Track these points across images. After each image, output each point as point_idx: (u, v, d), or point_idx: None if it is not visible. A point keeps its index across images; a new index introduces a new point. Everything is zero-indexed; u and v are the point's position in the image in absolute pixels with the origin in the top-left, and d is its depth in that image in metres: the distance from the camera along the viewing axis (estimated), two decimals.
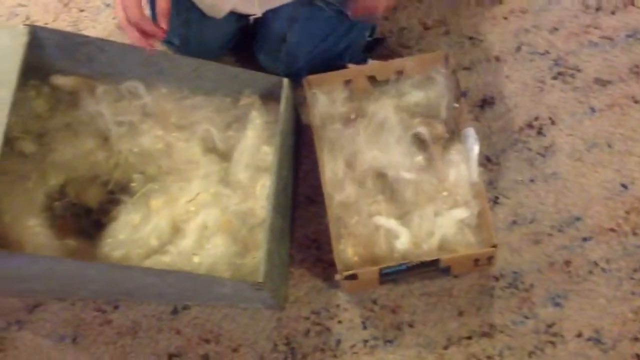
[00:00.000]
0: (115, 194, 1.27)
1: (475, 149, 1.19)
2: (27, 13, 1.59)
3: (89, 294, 1.27)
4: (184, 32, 1.33)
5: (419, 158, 1.24)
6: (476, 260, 1.19)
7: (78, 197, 1.27)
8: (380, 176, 1.25)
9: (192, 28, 1.33)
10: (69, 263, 1.11)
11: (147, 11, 1.03)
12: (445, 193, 1.21)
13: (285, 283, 1.28)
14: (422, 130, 1.26)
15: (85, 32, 1.51)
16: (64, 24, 1.55)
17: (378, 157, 1.24)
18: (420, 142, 1.26)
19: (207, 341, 1.27)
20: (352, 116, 1.30)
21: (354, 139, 1.26)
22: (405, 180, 1.22)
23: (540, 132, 1.35)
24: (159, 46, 1.32)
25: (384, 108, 1.27)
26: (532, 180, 1.32)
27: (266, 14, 1.31)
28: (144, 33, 1.04)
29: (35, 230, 1.20)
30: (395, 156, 1.23)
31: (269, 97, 1.30)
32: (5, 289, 1.27)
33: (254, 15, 1.30)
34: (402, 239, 1.20)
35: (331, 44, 1.29)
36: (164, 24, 1.04)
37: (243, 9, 1.25)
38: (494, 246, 1.15)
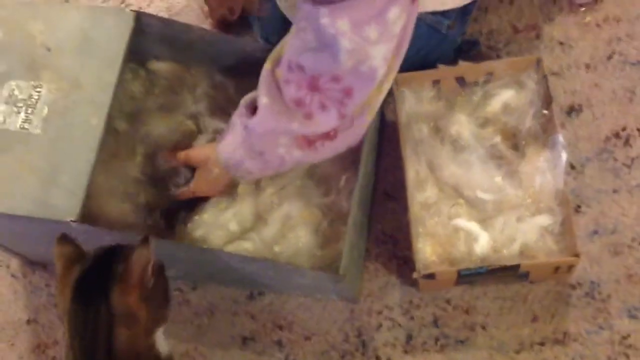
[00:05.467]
0: None
1: (563, 156, 1.18)
2: None
3: (171, 274, 1.30)
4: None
5: (498, 178, 1.22)
6: (556, 268, 1.18)
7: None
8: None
9: None
10: (162, 243, 1.14)
11: None
12: (529, 200, 1.20)
13: (360, 276, 1.30)
14: (504, 146, 1.26)
15: (178, 18, 1.53)
16: (157, 9, 1.58)
17: (456, 174, 1.24)
18: (501, 157, 1.25)
19: (281, 328, 1.30)
20: (436, 124, 1.29)
21: (437, 150, 1.26)
22: (482, 199, 1.22)
23: (627, 143, 1.33)
24: None
25: (466, 122, 1.27)
26: (615, 191, 1.30)
27: None
28: None
29: (124, 208, 1.24)
30: (474, 175, 1.23)
31: None
32: None
33: None
34: (482, 242, 1.20)
35: (423, 57, 1.29)
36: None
37: None
38: (577, 255, 1.14)
